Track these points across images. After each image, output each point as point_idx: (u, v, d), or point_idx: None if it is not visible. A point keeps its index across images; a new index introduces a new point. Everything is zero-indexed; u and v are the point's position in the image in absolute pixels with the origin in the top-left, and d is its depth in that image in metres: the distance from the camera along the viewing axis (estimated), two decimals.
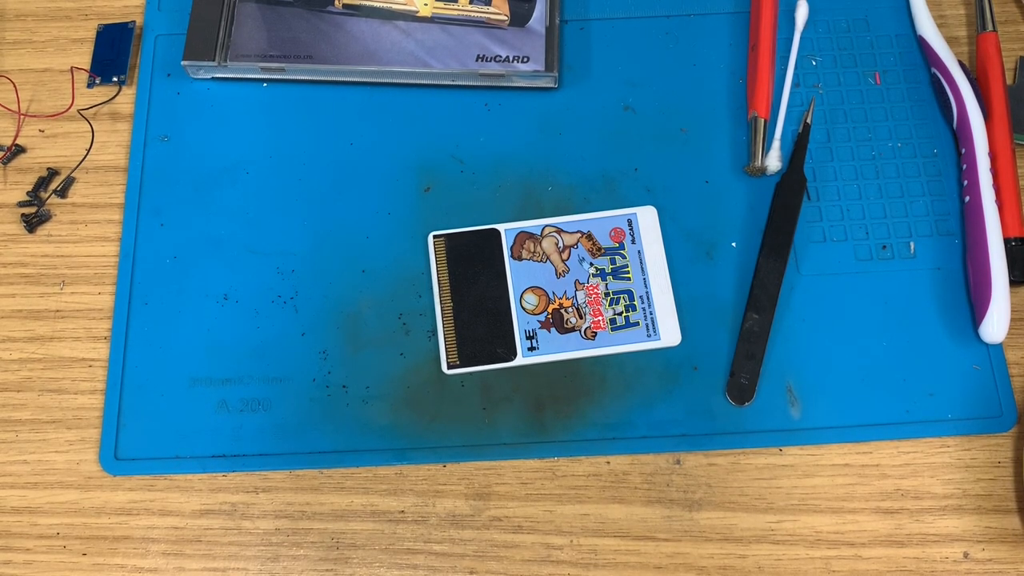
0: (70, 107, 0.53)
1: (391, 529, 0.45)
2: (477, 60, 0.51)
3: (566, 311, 0.48)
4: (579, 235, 0.49)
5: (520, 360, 0.47)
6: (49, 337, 0.49)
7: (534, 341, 0.47)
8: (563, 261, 0.49)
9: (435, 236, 0.49)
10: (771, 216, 0.49)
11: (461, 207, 0.50)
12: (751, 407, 0.46)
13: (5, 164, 0.53)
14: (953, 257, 0.49)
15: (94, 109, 0.53)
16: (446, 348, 0.47)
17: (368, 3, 0.53)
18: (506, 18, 0.52)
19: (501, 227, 0.49)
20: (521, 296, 0.48)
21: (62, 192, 0.52)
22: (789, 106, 0.52)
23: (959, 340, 0.47)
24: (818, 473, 0.45)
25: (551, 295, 0.48)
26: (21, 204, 0.51)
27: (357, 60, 0.51)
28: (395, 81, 0.52)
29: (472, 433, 0.46)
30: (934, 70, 0.52)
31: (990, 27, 0.52)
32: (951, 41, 0.54)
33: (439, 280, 0.48)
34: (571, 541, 0.45)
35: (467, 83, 0.52)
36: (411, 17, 0.52)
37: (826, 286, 0.48)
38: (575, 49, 0.54)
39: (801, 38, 0.53)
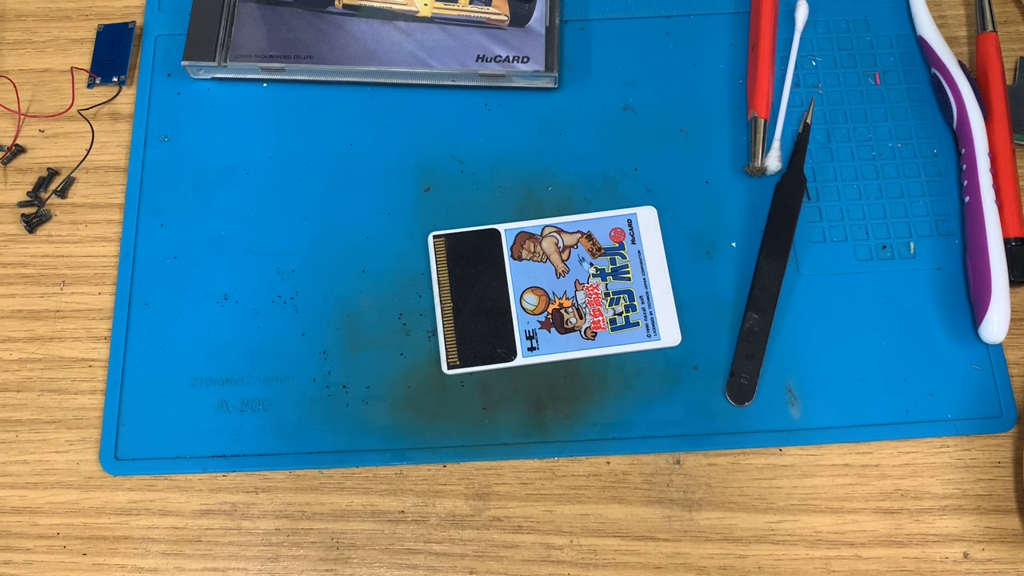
0: (70, 107, 0.53)
1: (391, 529, 0.45)
2: (477, 60, 0.51)
3: (566, 311, 0.48)
4: (579, 235, 0.49)
5: (520, 360, 0.47)
6: (49, 337, 0.49)
7: (534, 341, 0.47)
8: (563, 261, 0.49)
9: (435, 236, 0.49)
10: (771, 216, 0.49)
11: (461, 207, 0.50)
12: (751, 407, 0.46)
13: (5, 164, 0.53)
14: (953, 257, 0.49)
15: (94, 109, 0.53)
16: (446, 348, 0.47)
17: (368, 3, 0.53)
18: (506, 18, 0.52)
19: (501, 227, 0.49)
20: (521, 296, 0.48)
21: (62, 192, 0.52)
22: (789, 106, 0.52)
23: (959, 340, 0.47)
24: (818, 473, 0.45)
25: (551, 295, 0.48)
26: (21, 204, 0.51)
27: (357, 60, 0.51)
28: (395, 81, 0.52)
29: (472, 433, 0.46)
30: (934, 70, 0.52)
31: (990, 27, 0.52)
32: (951, 41, 0.54)
33: (439, 280, 0.48)
34: (571, 541, 0.45)
35: (467, 83, 0.52)
36: (411, 17, 0.52)
37: (826, 286, 0.48)
38: (575, 49, 0.54)
39: (801, 38, 0.53)
